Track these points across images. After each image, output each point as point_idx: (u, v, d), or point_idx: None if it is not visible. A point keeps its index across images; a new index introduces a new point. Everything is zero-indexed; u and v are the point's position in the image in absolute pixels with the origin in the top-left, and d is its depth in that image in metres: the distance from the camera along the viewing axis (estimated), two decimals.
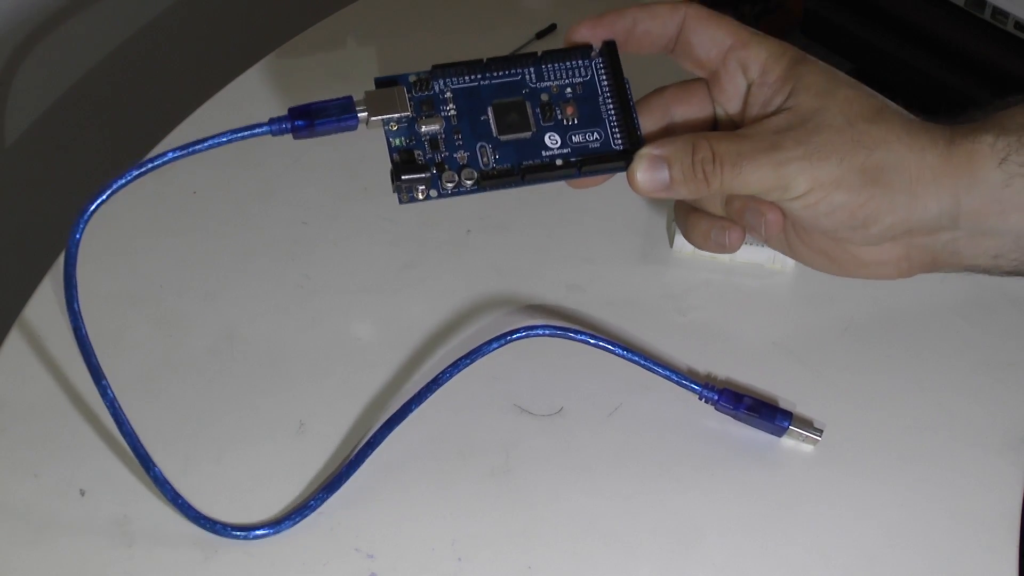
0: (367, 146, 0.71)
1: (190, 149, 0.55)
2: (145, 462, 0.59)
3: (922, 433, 0.63)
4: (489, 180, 0.55)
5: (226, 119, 0.76)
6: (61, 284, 0.68)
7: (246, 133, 0.55)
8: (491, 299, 0.68)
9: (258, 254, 0.70)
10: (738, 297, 0.68)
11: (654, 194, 0.56)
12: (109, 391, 0.58)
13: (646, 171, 0.55)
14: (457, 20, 0.83)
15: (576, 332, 0.63)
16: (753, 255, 0.69)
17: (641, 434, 0.63)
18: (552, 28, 0.80)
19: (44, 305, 0.67)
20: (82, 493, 0.61)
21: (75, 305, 0.57)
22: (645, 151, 0.55)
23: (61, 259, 0.69)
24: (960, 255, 0.57)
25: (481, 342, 0.64)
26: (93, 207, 0.56)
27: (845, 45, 0.79)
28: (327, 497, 0.60)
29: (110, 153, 0.79)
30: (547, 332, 0.63)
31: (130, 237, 0.71)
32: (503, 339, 0.63)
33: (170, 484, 0.59)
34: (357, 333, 0.67)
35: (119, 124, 1.04)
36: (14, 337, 0.66)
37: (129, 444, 0.59)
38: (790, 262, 0.69)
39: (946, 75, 0.78)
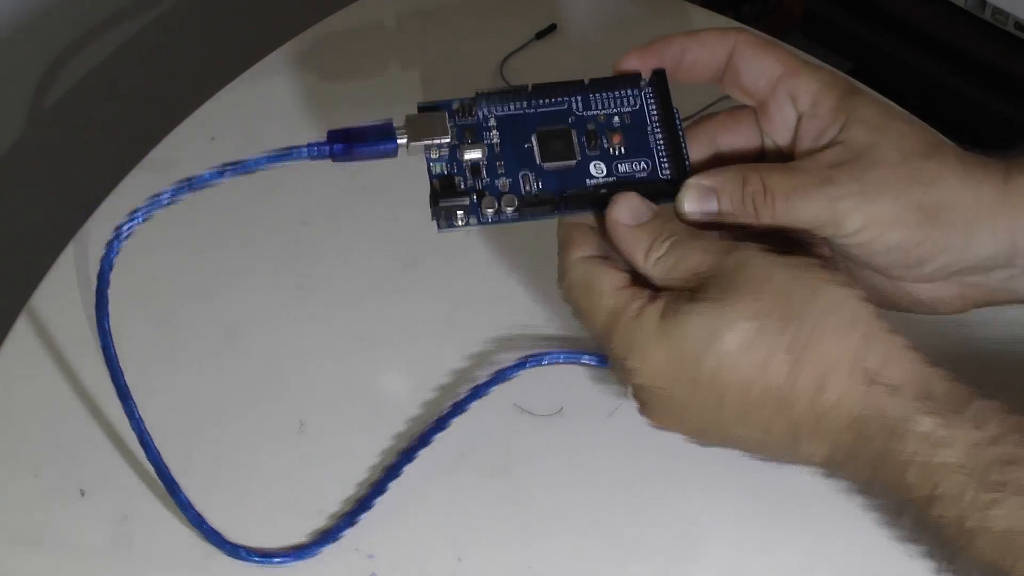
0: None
1: (227, 174, 0.54)
2: (171, 486, 0.58)
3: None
4: (530, 207, 0.54)
5: (227, 117, 0.76)
6: (62, 284, 0.68)
7: (285, 158, 0.54)
8: (491, 298, 0.68)
9: (258, 254, 0.70)
10: None
11: (699, 218, 0.54)
12: (136, 413, 0.57)
13: (694, 201, 0.53)
14: (457, 21, 0.83)
15: (587, 355, 0.64)
16: None
17: (641, 434, 0.63)
18: (552, 28, 0.80)
19: (45, 305, 0.67)
20: (82, 493, 0.61)
21: (105, 324, 0.56)
22: (694, 181, 0.53)
23: (62, 259, 0.69)
24: (1017, 292, 0.56)
25: (481, 339, 0.65)
26: (131, 227, 0.54)
27: (845, 45, 0.79)
28: (351, 523, 0.59)
29: (110, 153, 0.79)
30: (561, 359, 0.64)
31: (130, 238, 0.71)
32: (518, 368, 0.64)
33: (194, 508, 0.58)
34: (357, 333, 0.67)
35: (120, 122, 1.04)
36: (15, 337, 0.66)
37: (155, 467, 0.58)
38: None
39: (946, 75, 0.78)
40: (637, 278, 0.53)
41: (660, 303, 0.51)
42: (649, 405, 0.52)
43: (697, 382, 0.50)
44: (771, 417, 0.49)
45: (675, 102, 0.56)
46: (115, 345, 0.56)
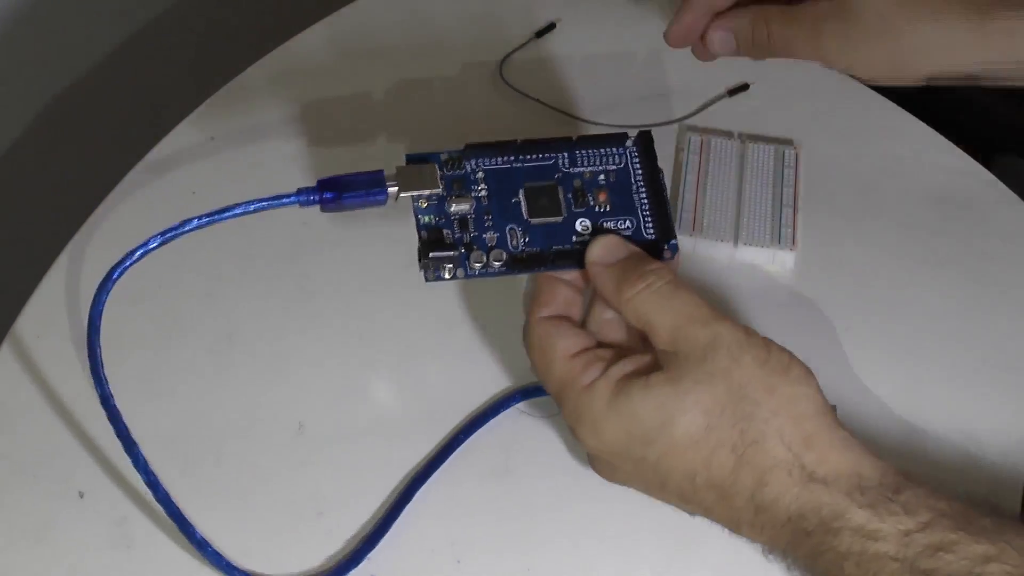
0: (366, 147, 0.71)
1: (215, 217, 0.54)
2: (184, 527, 0.57)
3: (922, 434, 0.63)
4: (519, 263, 0.55)
5: (227, 117, 0.76)
6: (61, 284, 0.68)
7: (273, 203, 0.54)
8: (492, 298, 0.68)
9: (258, 254, 0.70)
10: (738, 297, 0.68)
11: (723, 54, 0.66)
12: (141, 457, 0.57)
13: (719, 40, 0.65)
14: (456, 20, 0.83)
15: None
16: (753, 255, 0.69)
17: None
18: (551, 27, 0.80)
19: (44, 305, 0.67)
20: (81, 495, 0.61)
21: (101, 373, 0.56)
22: (720, 31, 0.65)
23: (61, 259, 0.69)
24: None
25: (482, 339, 0.65)
26: (117, 275, 0.54)
27: None
28: (368, 551, 0.59)
29: (110, 153, 0.79)
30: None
31: (130, 237, 0.71)
32: (506, 404, 0.63)
33: (212, 546, 0.58)
34: (356, 334, 0.67)
35: (120, 122, 1.04)
36: (13, 338, 0.66)
37: (166, 510, 0.58)
38: (790, 262, 0.69)
39: None
40: (594, 344, 0.54)
41: (612, 378, 0.52)
42: (597, 466, 0.55)
43: (644, 461, 0.52)
44: (713, 504, 0.52)
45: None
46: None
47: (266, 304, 0.68)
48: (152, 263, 0.69)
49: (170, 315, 0.67)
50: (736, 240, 0.69)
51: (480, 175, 0.55)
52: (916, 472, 0.51)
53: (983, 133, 0.81)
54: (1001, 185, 0.73)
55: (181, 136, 0.75)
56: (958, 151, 0.74)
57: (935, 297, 0.68)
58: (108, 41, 1.05)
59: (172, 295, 0.68)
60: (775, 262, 0.69)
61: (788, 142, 0.74)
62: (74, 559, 0.58)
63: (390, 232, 0.71)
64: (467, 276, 0.55)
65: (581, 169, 0.56)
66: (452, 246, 0.54)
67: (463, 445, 0.62)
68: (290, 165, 0.74)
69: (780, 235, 0.69)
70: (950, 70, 0.62)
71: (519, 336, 0.65)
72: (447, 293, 0.68)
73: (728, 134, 0.74)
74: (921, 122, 0.75)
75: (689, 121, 0.75)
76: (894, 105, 0.76)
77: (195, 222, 0.54)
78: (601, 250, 0.55)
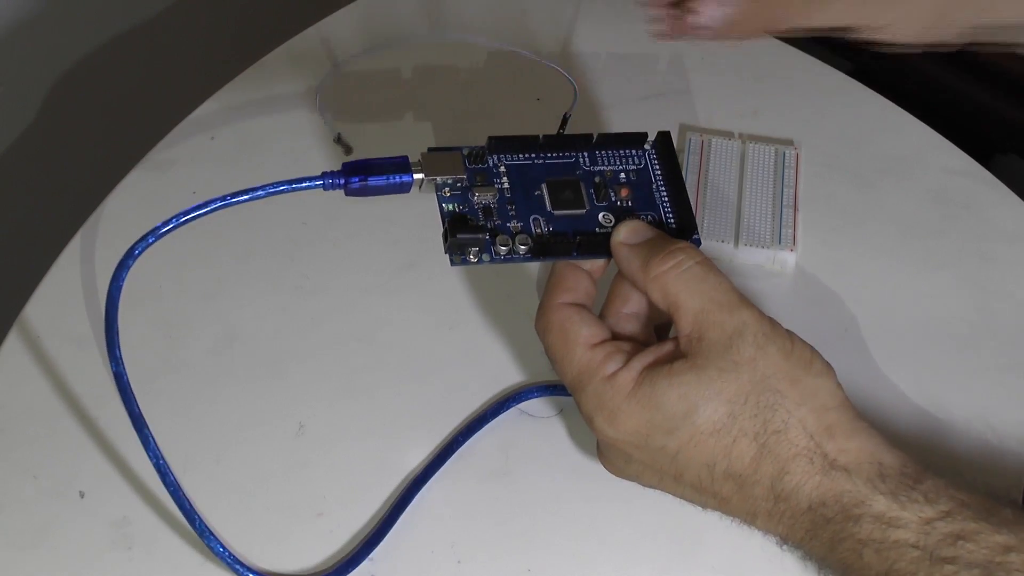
0: (365, 147, 0.71)
1: (239, 198, 0.54)
2: (189, 516, 0.57)
3: (922, 434, 0.63)
4: (544, 249, 0.54)
5: (227, 117, 0.76)
6: (62, 284, 0.68)
7: (296, 186, 0.53)
8: (492, 299, 0.68)
9: (258, 254, 0.70)
10: None
11: (713, 29, 0.55)
12: (151, 440, 0.56)
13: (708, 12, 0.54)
14: (454, 17, 0.83)
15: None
16: (753, 256, 0.69)
17: None
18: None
19: (44, 306, 0.67)
20: (81, 495, 0.61)
21: (117, 352, 0.55)
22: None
23: (61, 259, 0.69)
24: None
25: (481, 340, 0.65)
26: (138, 252, 0.54)
27: (845, 45, 0.79)
28: (369, 552, 0.59)
29: (110, 153, 0.79)
30: (552, 393, 0.64)
31: (130, 238, 0.71)
32: (510, 403, 0.64)
33: (215, 536, 0.58)
34: (355, 334, 0.67)
35: (120, 122, 1.04)
36: (13, 338, 0.66)
37: (172, 496, 0.57)
38: (790, 263, 0.69)
39: (946, 75, 0.78)
40: (614, 335, 0.54)
41: (635, 369, 0.52)
42: (609, 458, 0.55)
43: (662, 451, 0.51)
44: (730, 494, 0.51)
45: None
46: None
47: (266, 304, 0.68)
48: (152, 264, 0.69)
49: (170, 315, 0.67)
50: (736, 240, 0.69)
51: (502, 169, 0.55)
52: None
53: (983, 133, 0.81)
54: (1001, 185, 0.73)
55: (181, 136, 0.75)
56: (958, 151, 0.75)
57: (935, 297, 0.68)
58: (109, 41, 1.05)
59: (172, 295, 0.68)
60: (775, 262, 0.69)
61: (788, 142, 0.74)
62: (74, 559, 0.58)
63: (390, 233, 0.71)
64: (492, 260, 0.54)
65: (602, 168, 0.57)
66: (480, 228, 0.54)
67: (463, 446, 0.62)
68: (291, 165, 0.74)
69: (780, 235, 0.69)
70: (988, 22, 0.56)
71: (520, 337, 0.65)
72: (448, 294, 0.68)
73: (728, 134, 0.74)
74: (921, 122, 0.75)
75: (689, 121, 0.75)
76: (894, 105, 0.76)
77: (217, 203, 0.54)
78: (627, 232, 0.54)
